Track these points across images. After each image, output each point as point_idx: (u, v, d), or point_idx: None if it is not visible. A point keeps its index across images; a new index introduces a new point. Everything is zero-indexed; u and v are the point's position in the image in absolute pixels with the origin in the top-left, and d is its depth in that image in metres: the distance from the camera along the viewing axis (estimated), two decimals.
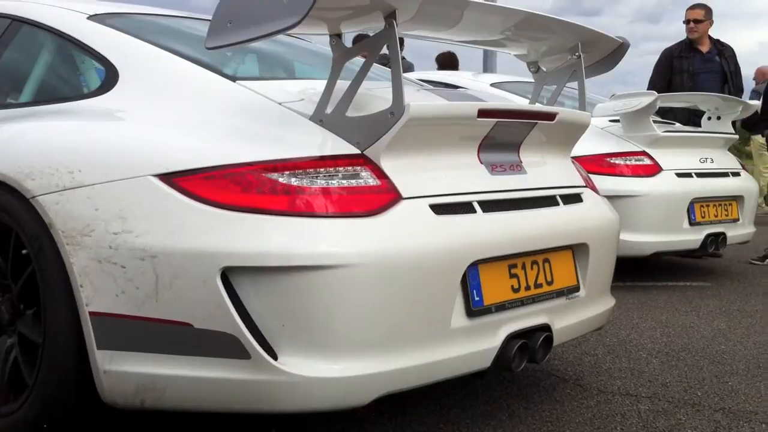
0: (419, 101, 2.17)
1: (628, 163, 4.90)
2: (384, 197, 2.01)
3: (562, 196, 2.50)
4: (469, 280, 2.12)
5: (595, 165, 4.72)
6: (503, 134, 2.31)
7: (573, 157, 2.79)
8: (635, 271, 5.11)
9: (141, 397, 2.01)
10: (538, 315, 2.34)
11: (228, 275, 1.89)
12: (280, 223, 1.91)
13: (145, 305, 1.95)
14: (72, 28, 2.56)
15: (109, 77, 2.37)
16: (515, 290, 2.27)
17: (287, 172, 1.96)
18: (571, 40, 2.63)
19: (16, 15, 2.76)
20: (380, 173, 2.04)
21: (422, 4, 2.16)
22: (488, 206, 2.21)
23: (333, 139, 2.07)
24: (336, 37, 2.13)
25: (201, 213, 1.93)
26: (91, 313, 2.00)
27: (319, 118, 2.11)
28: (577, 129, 2.65)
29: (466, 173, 2.23)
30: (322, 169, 1.99)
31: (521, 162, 2.42)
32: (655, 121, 5.10)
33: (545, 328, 2.34)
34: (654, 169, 4.91)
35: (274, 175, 1.95)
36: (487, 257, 2.16)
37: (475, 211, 2.17)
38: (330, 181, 1.98)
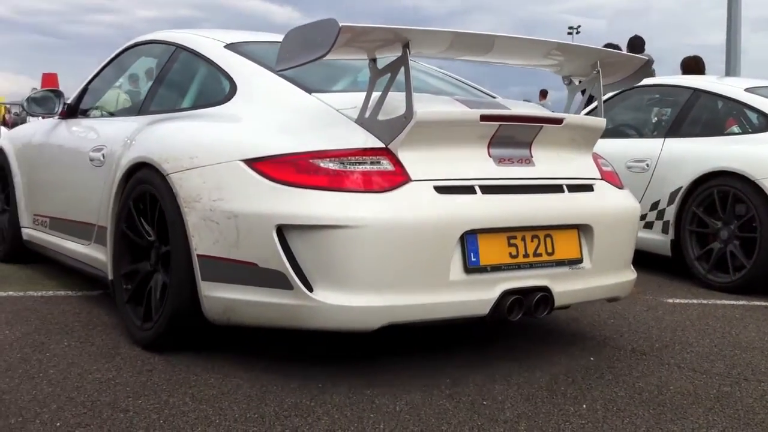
0: (436, 108, 3.01)
1: None
2: (396, 179, 2.86)
3: (569, 186, 3.23)
4: (467, 245, 2.92)
5: None
6: (511, 134, 3.09)
7: None
8: None
9: (227, 315, 3.02)
10: (538, 278, 3.08)
11: (283, 230, 2.83)
12: (320, 194, 2.82)
13: (230, 250, 2.95)
14: (212, 54, 3.70)
15: (231, 91, 3.46)
16: (513, 256, 3.03)
17: (328, 159, 2.87)
18: (592, 60, 3.33)
19: (178, 43, 3.98)
20: (396, 161, 2.90)
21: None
22: (488, 190, 3.00)
23: (367, 136, 2.96)
24: (371, 61, 3.01)
25: (267, 187, 2.88)
26: (198, 255, 3.04)
27: (360, 120, 3.01)
28: (592, 132, 3.36)
29: (472, 164, 3.03)
30: (353, 158, 2.88)
31: (531, 157, 3.17)
32: None
33: (545, 289, 3.08)
34: None
35: (319, 161, 2.87)
36: (484, 227, 2.95)
37: (475, 193, 2.97)
38: (358, 167, 2.86)
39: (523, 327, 3.91)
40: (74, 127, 4.63)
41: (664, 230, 5.65)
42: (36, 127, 5.22)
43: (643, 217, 5.73)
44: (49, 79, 20.78)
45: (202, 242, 3.02)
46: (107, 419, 2.63)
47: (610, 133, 6.59)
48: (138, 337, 3.35)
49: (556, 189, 3.21)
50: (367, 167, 2.86)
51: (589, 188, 3.33)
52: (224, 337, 3.38)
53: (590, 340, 3.78)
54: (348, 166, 2.86)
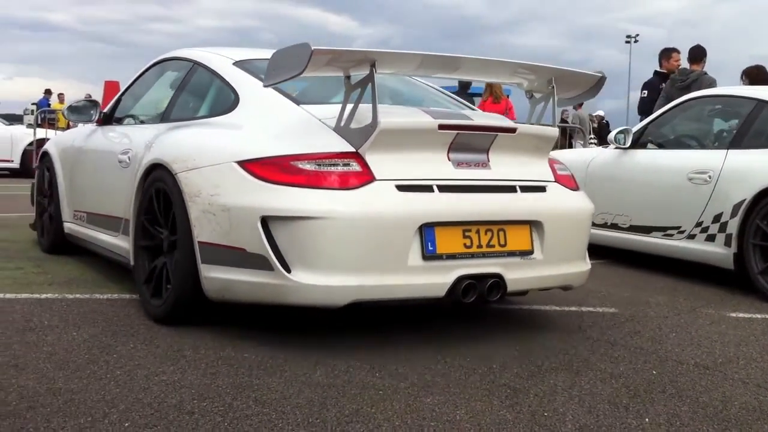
0: (399, 118, 4.36)
1: None
2: (362, 178, 4.13)
3: (522, 187, 4.47)
4: (425, 235, 4.17)
5: None
6: (469, 141, 4.37)
7: None
8: None
9: (222, 293, 4.37)
10: (491, 266, 4.31)
11: (267, 221, 4.13)
12: (298, 191, 4.09)
13: (224, 238, 4.27)
14: (222, 70, 5.16)
15: (234, 102, 4.87)
16: (467, 247, 4.29)
17: (306, 161, 4.18)
18: (547, 77, 4.65)
19: (195, 60, 5.49)
20: (363, 163, 4.17)
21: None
22: (445, 189, 4.25)
23: (341, 142, 4.26)
24: (346, 77, 4.35)
25: (255, 184, 4.18)
26: (199, 242, 4.38)
27: (337, 128, 4.35)
28: (546, 140, 4.63)
29: (432, 166, 4.29)
30: (327, 160, 4.16)
31: (489, 161, 4.44)
32: None
33: (497, 276, 4.34)
34: None
35: (299, 163, 4.17)
36: (440, 221, 4.19)
37: (432, 191, 4.22)
38: (331, 168, 4.15)
39: (583, 339, 4.70)
40: (108, 133, 6.25)
41: (727, 243, 6.65)
42: (76, 133, 7.00)
43: (704, 229, 6.87)
44: (112, 87, 23.06)
45: (202, 231, 4.37)
46: (173, 421, 3.15)
47: (671, 143, 7.79)
48: (151, 312, 4.75)
49: (510, 189, 4.46)
50: (339, 168, 4.16)
51: (541, 189, 4.58)
52: (284, 342, 4.35)
53: (652, 354, 4.43)
54: (323, 167, 4.15)
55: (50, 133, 17.65)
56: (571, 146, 21.31)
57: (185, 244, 4.51)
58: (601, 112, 29.27)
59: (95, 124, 6.59)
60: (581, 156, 8.74)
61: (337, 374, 3.84)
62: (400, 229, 4.16)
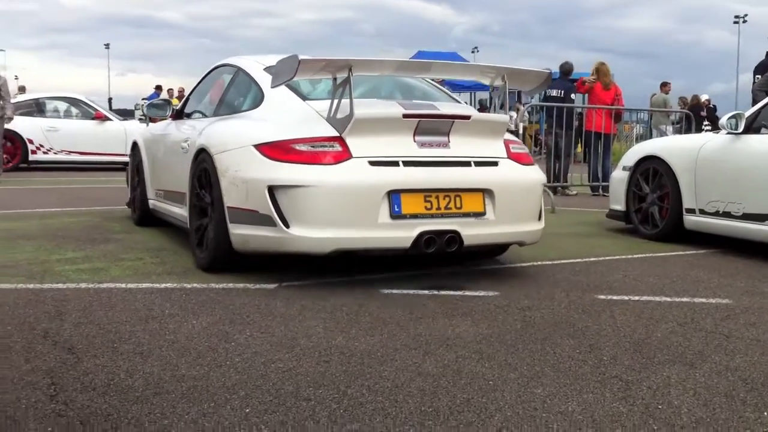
0: (373, 109, 5.76)
1: None
2: (342, 156, 5.53)
3: (476, 162, 5.79)
4: (392, 199, 5.53)
5: None
6: (432, 126, 5.71)
7: None
8: None
9: (244, 245, 5.83)
10: (448, 224, 5.63)
11: (272, 189, 5.56)
12: (296, 166, 5.51)
13: (244, 203, 5.72)
14: (255, 74, 6.67)
15: (260, 99, 6.37)
16: (428, 209, 5.62)
17: (302, 143, 5.60)
18: (502, 74, 6.00)
19: (239, 65, 7.06)
20: (344, 144, 5.56)
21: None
22: (409, 164, 5.61)
23: (330, 129, 5.67)
24: (333, 79, 5.76)
25: (265, 161, 5.62)
26: (227, 207, 5.86)
27: (328, 118, 5.77)
28: (498, 126, 5.95)
29: (399, 147, 5.64)
30: (318, 143, 5.58)
31: (449, 142, 5.78)
32: None
33: (454, 232, 5.67)
34: None
35: (297, 145, 5.59)
36: (405, 188, 5.54)
37: (398, 165, 5.60)
38: (320, 148, 5.56)
39: (697, 331, 4.67)
40: (178, 126, 7.89)
41: None
42: (157, 126, 8.75)
43: None
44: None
45: (229, 198, 5.83)
46: (291, 407, 3.29)
47: None
48: (198, 263, 6.29)
49: (465, 164, 5.78)
50: (327, 149, 5.56)
51: (494, 164, 5.89)
52: (393, 332, 4.53)
53: None
54: (314, 148, 5.56)
55: None
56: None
57: (219, 209, 5.99)
58: (706, 96, 28.60)
59: (170, 118, 8.37)
60: (692, 142, 8.55)
61: (447, 364, 3.95)
62: (371, 194, 5.53)
